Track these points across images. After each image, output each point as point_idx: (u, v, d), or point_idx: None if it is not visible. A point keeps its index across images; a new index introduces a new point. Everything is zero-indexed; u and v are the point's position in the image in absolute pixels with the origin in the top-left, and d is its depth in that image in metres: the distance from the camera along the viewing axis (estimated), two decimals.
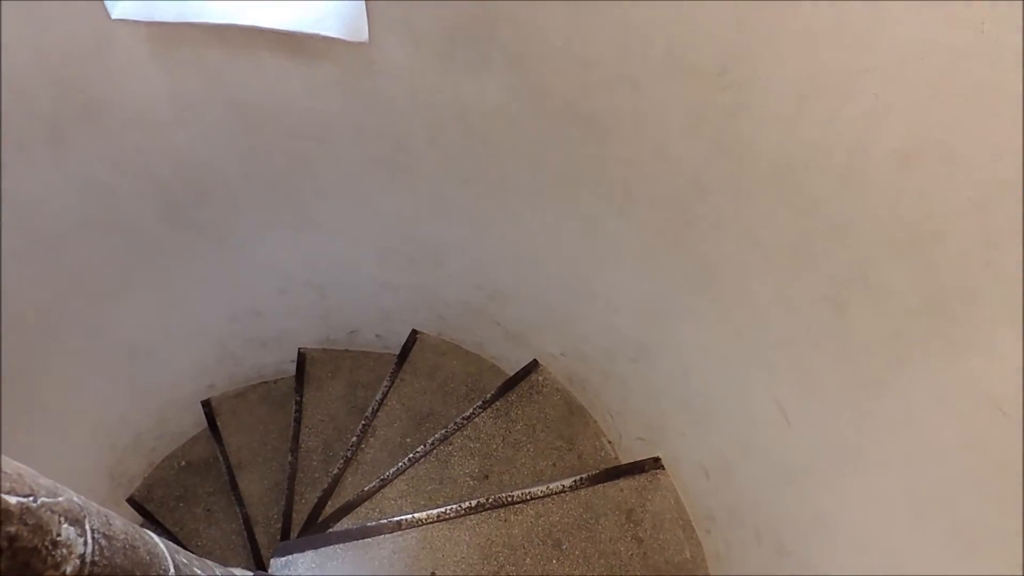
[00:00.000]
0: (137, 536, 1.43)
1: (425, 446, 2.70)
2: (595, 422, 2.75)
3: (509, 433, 2.73)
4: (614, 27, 1.46)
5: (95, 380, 3.03)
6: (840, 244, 1.30)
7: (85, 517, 1.23)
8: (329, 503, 2.86)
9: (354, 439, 2.98)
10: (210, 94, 2.10)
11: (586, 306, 2.37)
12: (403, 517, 2.26)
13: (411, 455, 2.67)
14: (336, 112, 2.11)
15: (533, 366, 2.87)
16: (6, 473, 1.03)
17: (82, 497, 1.32)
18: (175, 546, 1.69)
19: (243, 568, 2.24)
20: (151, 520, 3.59)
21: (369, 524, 2.25)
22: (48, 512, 1.10)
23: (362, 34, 1.85)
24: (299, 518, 3.14)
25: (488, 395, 2.83)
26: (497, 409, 2.78)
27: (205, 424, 3.71)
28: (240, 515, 3.42)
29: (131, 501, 3.63)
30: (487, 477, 2.62)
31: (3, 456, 1.09)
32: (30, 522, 1.04)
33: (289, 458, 3.27)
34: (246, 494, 3.46)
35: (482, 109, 1.91)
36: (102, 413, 3.20)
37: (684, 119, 1.49)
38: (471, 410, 2.78)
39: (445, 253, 2.62)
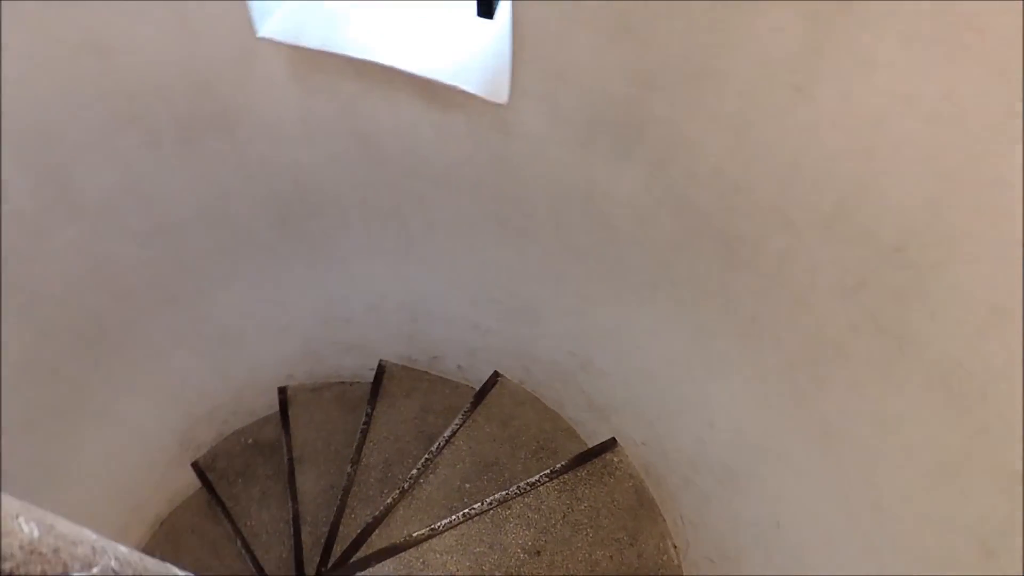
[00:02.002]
0: None
1: (483, 504, 2.59)
2: (664, 521, 2.56)
3: (571, 511, 2.58)
4: (781, 164, 1.29)
5: (184, 354, 3.10)
6: (1008, 487, 1.08)
7: None
8: (377, 531, 2.80)
9: (414, 471, 2.90)
10: (340, 122, 2.05)
11: (680, 409, 2.19)
12: None
13: (466, 511, 2.57)
14: (460, 162, 2.02)
15: (610, 444, 2.71)
16: (40, 554, 0.98)
17: (122, 555, 1.28)
18: None
19: None
20: (209, 490, 3.66)
21: None
22: None
23: (501, 96, 1.73)
24: (346, 532, 3.11)
25: (558, 464, 2.69)
26: (564, 482, 2.64)
27: (277, 408, 3.74)
28: (291, 509, 3.43)
29: (195, 466, 3.72)
30: (539, 554, 2.49)
31: (40, 525, 1.05)
32: None
33: (348, 468, 3.24)
34: (301, 490, 3.47)
35: (612, 197, 1.76)
36: (184, 384, 3.27)
37: (840, 281, 1.30)
38: (537, 476, 2.65)
39: (544, 314, 2.50)
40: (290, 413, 3.65)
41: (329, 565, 2.98)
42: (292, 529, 3.39)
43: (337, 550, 3.03)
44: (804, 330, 1.47)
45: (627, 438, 2.64)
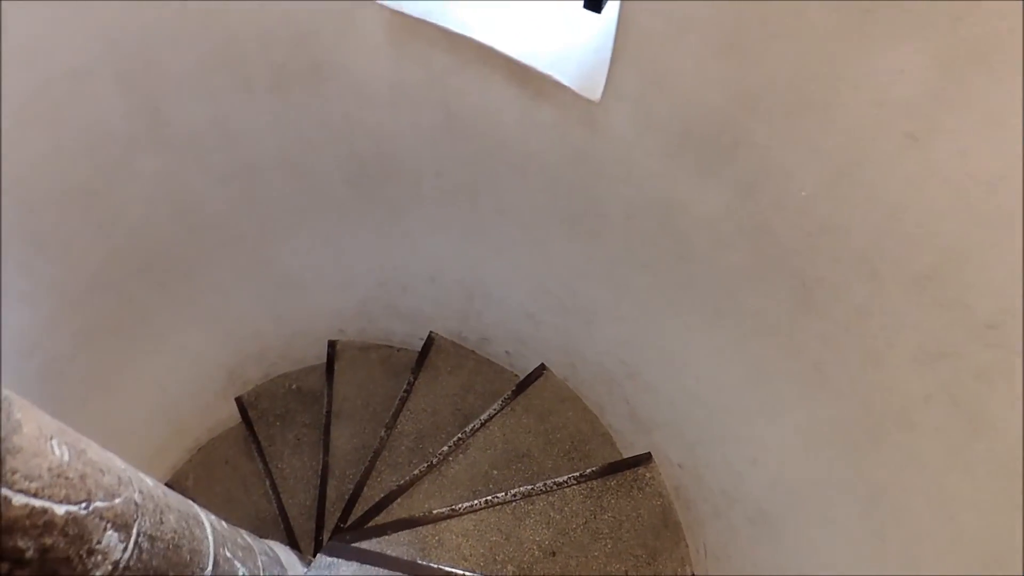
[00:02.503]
0: (186, 533, 1.41)
1: (507, 494, 2.58)
2: (687, 547, 2.50)
3: (594, 518, 2.54)
4: (879, 212, 1.20)
5: (244, 294, 3.17)
6: None
7: (135, 521, 1.20)
8: (399, 500, 2.83)
9: (445, 448, 2.91)
10: (428, 92, 2.03)
11: (723, 439, 2.12)
12: (456, 571, 2.16)
13: (489, 498, 2.56)
14: (541, 152, 1.98)
15: (645, 458, 2.65)
16: (67, 479, 1.00)
17: (147, 488, 1.30)
18: (226, 533, 1.68)
19: (291, 549, 2.24)
20: (248, 426, 3.76)
21: (420, 562, 2.17)
22: (96, 519, 1.07)
23: (595, 93, 1.68)
24: (369, 493, 3.15)
25: (589, 468, 2.65)
26: (592, 488, 2.60)
27: (325, 360, 3.80)
28: (322, 461, 3.49)
29: (238, 401, 3.82)
30: (554, 554, 2.46)
31: (71, 449, 1.06)
32: (71, 532, 1.01)
33: (382, 432, 3.28)
34: (334, 444, 3.52)
35: (692, 214, 1.70)
36: (241, 321, 3.36)
37: (920, 347, 1.21)
38: (566, 477, 2.62)
39: (600, 316, 2.45)
40: (336, 367, 3.71)
41: (348, 522, 3.03)
42: (320, 480, 3.45)
43: (358, 509, 3.07)
44: (870, 389, 1.38)
45: (663, 456, 2.58)
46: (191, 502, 1.54)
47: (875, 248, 1.26)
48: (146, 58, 1.96)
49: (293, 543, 3.41)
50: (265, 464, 3.67)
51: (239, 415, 3.83)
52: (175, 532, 1.38)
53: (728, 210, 1.58)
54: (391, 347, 3.74)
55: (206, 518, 1.57)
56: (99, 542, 1.09)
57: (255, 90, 2.14)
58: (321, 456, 3.52)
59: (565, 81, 1.71)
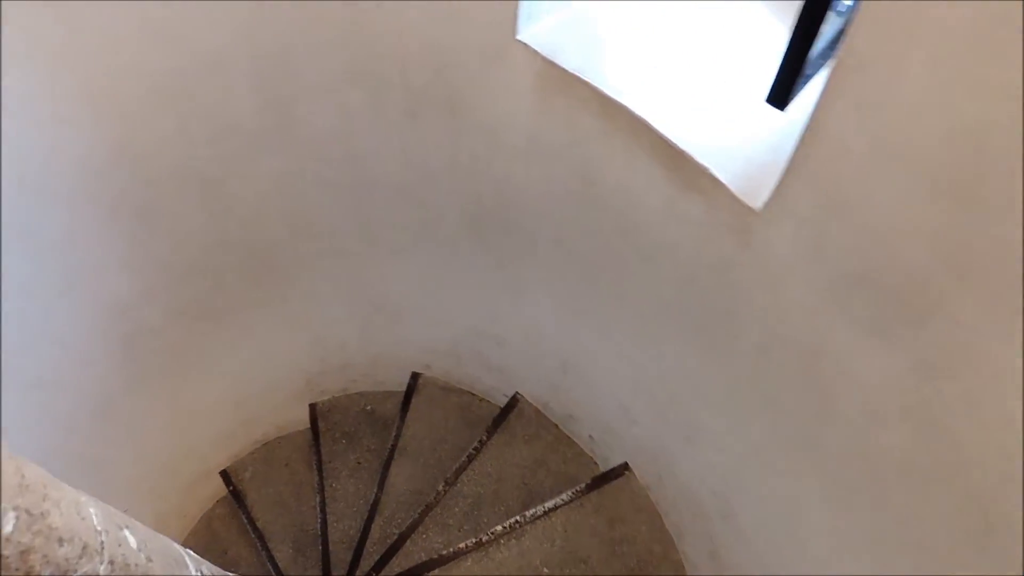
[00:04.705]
0: None
1: None
2: None
3: None
4: None
5: (338, 306, 3.07)
6: None
7: None
8: (436, 572, 2.59)
9: (499, 528, 2.65)
10: (567, 152, 1.80)
11: None
12: None
13: None
14: (679, 247, 1.70)
15: None
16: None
17: (123, 556, 1.09)
18: None
19: None
20: (315, 437, 3.65)
21: None
22: None
23: (756, 199, 1.40)
24: (412, 548, 2.93)
25: None
26: None
27: (404, 389, 3.64)
28: (374, 495, 3.32)
29: (312, 408, 3.72)
30: None
31: (23, 515, 0.89)
32: None
33: (440, 486, 3.06)
34: (390, 482, 3.33)
35: (844, 369, 1.37)
36: (329, 333, 3.27)
37: None
38: None
39: (702, 438, 2.12)
40: (413, 400, 3.53)
41: (382, 573, 2.83)
42: (367, 514, 3.28)
43: (395, 564, 2.86)
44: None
45: None
46: (187, 561, 1.35)
47: None
48: (282, 60, 1.86)
49: (326, 569, 3.25)
50: (321, 479, 3.55)
51: (308, 422, 3.74)
52: None
53: (894, 383, 1.24)
54: (473, 395, 3.52)
55: None
56: None
57: (388, 110, 2.00)
58: (375, 490, 3.34)
59: (723, 178, 1.43)
